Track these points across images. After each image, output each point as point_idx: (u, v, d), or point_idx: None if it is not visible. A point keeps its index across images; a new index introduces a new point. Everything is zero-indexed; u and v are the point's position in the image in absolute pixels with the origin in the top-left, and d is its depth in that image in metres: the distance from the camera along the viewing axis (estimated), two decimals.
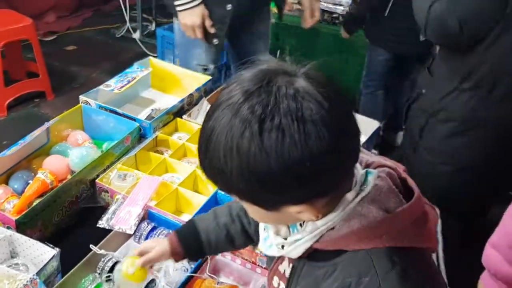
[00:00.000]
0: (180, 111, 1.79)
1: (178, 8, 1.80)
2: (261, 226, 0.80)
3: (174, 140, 1.68)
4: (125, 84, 1.81)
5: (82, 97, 1.72)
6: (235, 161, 0.59)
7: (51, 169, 1.44)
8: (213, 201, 1.44)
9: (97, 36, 4.10)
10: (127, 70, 1.90)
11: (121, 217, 1.34)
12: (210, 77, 1.92)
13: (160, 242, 1.04)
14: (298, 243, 0.70)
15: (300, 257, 0.73)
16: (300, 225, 0.70)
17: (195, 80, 1.92)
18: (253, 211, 0.70)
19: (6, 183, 1.45)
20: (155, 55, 3.43)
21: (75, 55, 3.78)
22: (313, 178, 0.60)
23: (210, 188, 1.51)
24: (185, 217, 1.40)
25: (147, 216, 1.38)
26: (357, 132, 0.64)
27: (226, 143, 0.59)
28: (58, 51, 3.76)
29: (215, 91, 1.90)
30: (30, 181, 1.43)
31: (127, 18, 3.89)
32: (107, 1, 4.61)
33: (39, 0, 4.06)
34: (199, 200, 1.44)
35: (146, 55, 2.52)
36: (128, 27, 3.96)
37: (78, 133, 1.64)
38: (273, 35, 2.72)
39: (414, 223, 0.68)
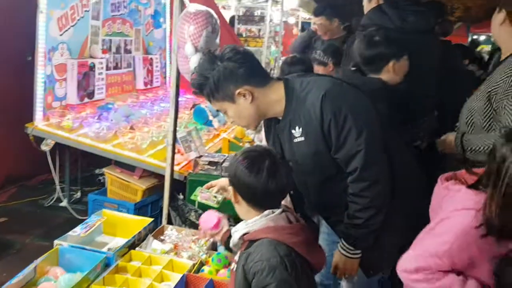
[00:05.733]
0: (132, 244, 2.37)
1: None
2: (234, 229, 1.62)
3: (132, 265, 2.24)
4: (88, 230, 2.38)
5: (56, 241, 2.25)
6: None
7: None
8: None
9: (26, 207, 4.51)
10: (87, 221, 2.49)
11: None
12: (152, 219, 2.56)
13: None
14: (237, 232, 1.56)
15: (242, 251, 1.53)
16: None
17: (140, 223, 2.55)
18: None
19: None
20: (85, 218, 3.93)
21: (7, 226, 4.14)
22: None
23: None
24: None
25: None
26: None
27: None
28: None
29: (157, 229, 2.53)
30: None
31: (58, 188, 4.42)
32: (31, 177, 5.11)
33: None
34: None
35: (76, 219, 2.98)
36: (58, 196, 4.46)
37: (57, 268, 2.14)
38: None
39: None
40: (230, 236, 1.70)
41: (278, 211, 1.54)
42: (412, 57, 2.62)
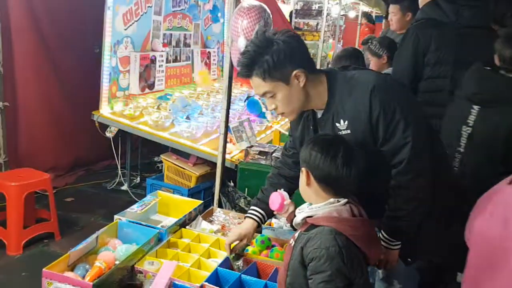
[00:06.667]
0: (183, 223, 2.57)
1: None
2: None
3: (182, 241, 2.42)
4: (144, 207, 2.59)
5: (116, 216, 2.48)
6: None
7: (104, 259, 2.13)
8: (214, 276, 2.15)
9: (91, 189, 4.89)
10: (143, 199, 2.70)
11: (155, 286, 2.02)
12: (202, 201, 2.74)
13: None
14: (301, 213, 1.62)
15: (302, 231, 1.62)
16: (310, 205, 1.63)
17: (191, 204, 2.74)
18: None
19: (71, 271, 2.13)
20: None
21: (74, 205, 4.51)
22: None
23: (209, 268, 2.22)
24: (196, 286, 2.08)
25: (172, 285, 2.06)
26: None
27: None
28: (59, 202, 4.47)
29: (206, 211, 2.71)
30: (88, 270, 2.12)
31: (119, 173, 4.76)
32: (96, 162, 5.51)
33: (41, 163, 4.89)
34: (203, 274, 2.15)
35: (136, 202, 3.23)
36: (119, 180, 4.79)
37: (115, 240, 2.37)
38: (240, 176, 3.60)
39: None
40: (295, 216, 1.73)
41: (343, 201, 1.58)
42: (465, 51, 2.63)
